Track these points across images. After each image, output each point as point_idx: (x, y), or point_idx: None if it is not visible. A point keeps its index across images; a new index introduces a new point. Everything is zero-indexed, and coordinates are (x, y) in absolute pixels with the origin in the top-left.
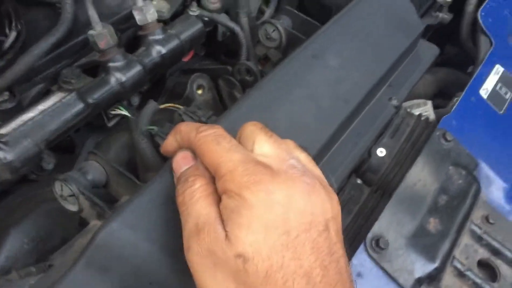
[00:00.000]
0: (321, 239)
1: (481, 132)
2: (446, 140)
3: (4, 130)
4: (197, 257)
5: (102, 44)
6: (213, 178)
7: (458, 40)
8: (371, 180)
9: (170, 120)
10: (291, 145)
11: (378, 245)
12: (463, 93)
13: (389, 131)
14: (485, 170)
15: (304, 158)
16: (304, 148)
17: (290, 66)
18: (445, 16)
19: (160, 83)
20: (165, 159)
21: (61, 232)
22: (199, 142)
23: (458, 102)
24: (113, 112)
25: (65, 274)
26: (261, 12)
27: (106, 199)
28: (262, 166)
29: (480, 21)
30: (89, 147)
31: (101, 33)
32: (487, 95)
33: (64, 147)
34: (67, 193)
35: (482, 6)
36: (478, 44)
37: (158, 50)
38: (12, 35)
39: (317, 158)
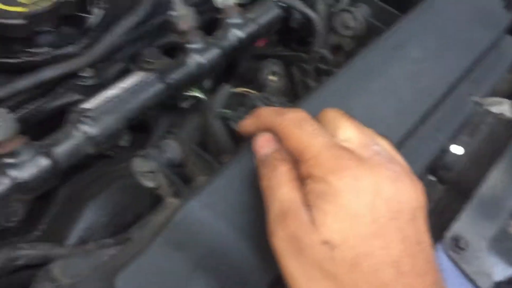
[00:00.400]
0: (408, 227)
1: None
2: None
3: (89, 105)
4: (282, 242)
5: (184, 25)
6: (296, 163)
7: None
8: (445, 177)
9: (241, 105)
10: (373, 132)
11: (458, 245)
12: None
13: (466, 128)
14: None
15: (387, 145)
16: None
17: (369, 56)
18: None
19: (230, 67)
20: (238, 143)
21: (135, 208)
22: (281, 126)
23: None
24: (187, 94)
25: (143, 249)
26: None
27: (180, 178)
28: (348, 152)
29: None
30: (162, 127)
31: (183, 14)
32: None
33: (138, 125)
34: (146, 169)
35: None
36: None
37: (237, 34)
38: (99, 13)
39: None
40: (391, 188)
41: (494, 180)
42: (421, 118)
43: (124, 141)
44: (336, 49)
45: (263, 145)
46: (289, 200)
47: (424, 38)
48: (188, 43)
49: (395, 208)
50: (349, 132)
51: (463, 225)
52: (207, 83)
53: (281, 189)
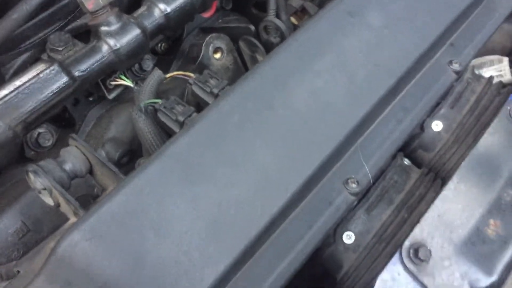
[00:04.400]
0: None
1: None
2: None
3: None
4: None
5: (90, 5)
6: None
7: None
8: (422, 159)
9: (183, 88)
10: None
11: (417, 255)
12: None
13: (448, 100)
14: None
15: None
16: None
17: (317, 28)
18: None
19: (175, 44)
20: (165, 140)
21: (52, 221)
22: None
23: None
24: (113, 83)
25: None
26: None
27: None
28: None
29: None
30: (89, 121)
31: None
32: None
33: (64, 121)
34: (40, 186)
35: None
36: None
37: (162, 9)
38: None
39: (347, 144)
40: None
41: (471, 165)
42: (382, 99)
43: (46, 141)
44: (301, 12)
45: None
46: None
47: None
48: (101, 25)
49: None
50: None
51: (426, 228)
52: (147, 64)
53: None
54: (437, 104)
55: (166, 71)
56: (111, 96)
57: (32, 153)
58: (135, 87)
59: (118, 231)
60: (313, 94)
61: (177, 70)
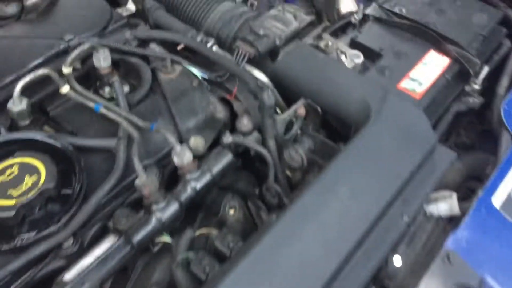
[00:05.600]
0: None
1: (492, 244)
2: (449, 261)
3: (68, 276)
4: None
5: (146, 191)
6: None
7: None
8: (388, 286)
9: (206, 240)
10: None
11: None
12: (474, 205)
13: (405, 239)
14: (491, 284)
15: None
16: None
17: (304, 203)
18: (475, 100)
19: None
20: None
21: None
22: None
23: (468, 216)
24: (157, 240)
25: None
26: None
27: None
28: None
29: (502, 115)
30: (138, 268)
31: (145, 183)
32: (500, 204)
33: None
34: None
35: (506, 98)
36: (499, 141)
37: (193, 186)
38: (77, 187)
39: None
40: None
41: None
42: (354, 246)
43: (107, 286)
44: (293, 169)
45: None
46: None
47: (353, 175)
48: (152, 203)
49: None
50: None
51: None
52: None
53: None
54: (397, 242)
55: (192, 219)
56: (155, 249)
57: None
58: (173, 243)
59: None
60: (302, 252)
61: (201, 220)
